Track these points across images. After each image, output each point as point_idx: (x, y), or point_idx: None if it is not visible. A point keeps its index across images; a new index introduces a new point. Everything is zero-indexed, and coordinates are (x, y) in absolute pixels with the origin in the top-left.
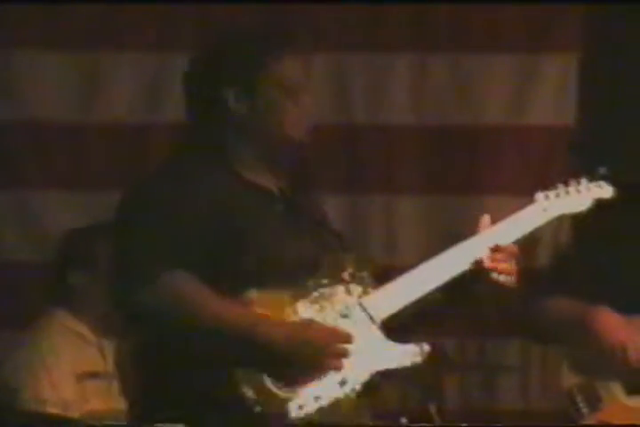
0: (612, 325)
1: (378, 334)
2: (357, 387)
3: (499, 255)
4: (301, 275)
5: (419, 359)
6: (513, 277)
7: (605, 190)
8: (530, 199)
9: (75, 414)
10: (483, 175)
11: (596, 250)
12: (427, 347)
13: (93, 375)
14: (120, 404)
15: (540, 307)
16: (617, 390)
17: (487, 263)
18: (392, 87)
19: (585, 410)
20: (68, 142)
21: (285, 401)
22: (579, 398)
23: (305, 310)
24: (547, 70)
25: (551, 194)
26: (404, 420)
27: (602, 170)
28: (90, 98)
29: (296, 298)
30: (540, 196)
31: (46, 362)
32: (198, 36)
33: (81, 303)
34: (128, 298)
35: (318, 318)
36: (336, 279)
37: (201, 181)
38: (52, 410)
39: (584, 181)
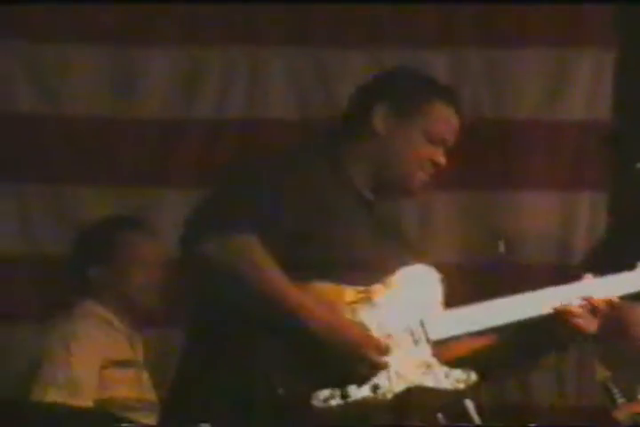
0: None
1: (427, 352)
2: (389, 396)
3: (586, 307)
4: (369, 279)
5: (462, 386)
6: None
7: None
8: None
9: (87, 399)
10: (518, 171)
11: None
12: (474, 376)
13: (119, 364)
14: (145, 394)
15: None
16: None
17: (572, 310)
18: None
19: (621, 400)
20: (99, 138)
21: (310, 392)
22: (614, 390)
23: (361, 312)
24: (582, 65)
25: None
26: (440, 417)
27: (638, 165)
28: (122, 94)
29: (357, 298)
30: None
31: (69, 347)
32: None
33: (103, 295)
34: (197, 246)
35: (373, 323)
36: (404, 292)
37: (311, 172)
38: (59, 393)
39: None
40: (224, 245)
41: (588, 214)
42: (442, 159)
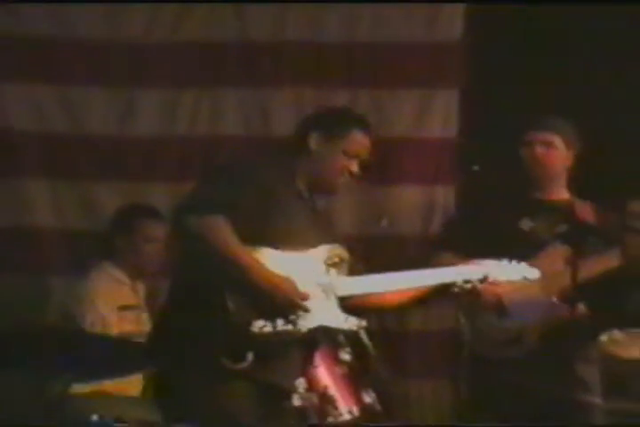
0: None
1: (334, 303)
2: (304, 330)
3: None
4: (299, 249)
5: (355, 328)
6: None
7: (531, 272)
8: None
9: (112, 332)
10: (395, 171)
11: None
12: (364, 322)
13: (126, 308)
14: (143, 328)
15: (435, 260)
16: None
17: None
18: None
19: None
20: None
21: (251, 321)
22: (464, 331)
23: (293, 270)
24: (438, 100)
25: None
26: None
27: (475, 167)
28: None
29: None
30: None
31: (92, 297)
32: None
33: (121, 258)
34: (182, 222)
35: (300, 277)
36: (323, 262)
37: (266, 176)
38: (95, 329)
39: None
40: (200, 221)
41: (442, 202)
42: (356, 169)
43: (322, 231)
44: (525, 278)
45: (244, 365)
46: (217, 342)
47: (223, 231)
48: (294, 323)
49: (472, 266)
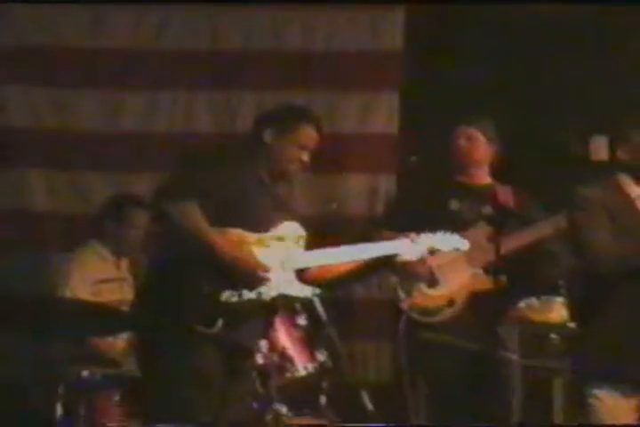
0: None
1: (292, 275)
2: (267, 298)
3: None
4: (261, 229)
5: (310, 296)
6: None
7: (462, 243)
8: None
9: (88, 300)
10: (345, 162)
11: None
12: (317, 290)
13: (108, 281)
14: (126, 297)
15: (378, 237)
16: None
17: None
18: None
19: (403, 296)
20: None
21: (220, 291)
22: (399, 290)
23: (254, 248)
24: (382, 102)
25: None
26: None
27: (413, 158)
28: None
29: (253, 240)
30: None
31: (71, 269)
32: None
33: (108, 239)
34: (163, 205)
35: (261, 253)
36: (282, 239)
37: (233, 166)
38: (81, 296)
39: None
40: (174, 207)
41: (384, 188)
42: (307, 158)
43: (282, 212)
44: (457, 249)
45: (215, 330)
46: (190, 311)
47: (194, 215)
48: (258, 293)
49: (407, 240)
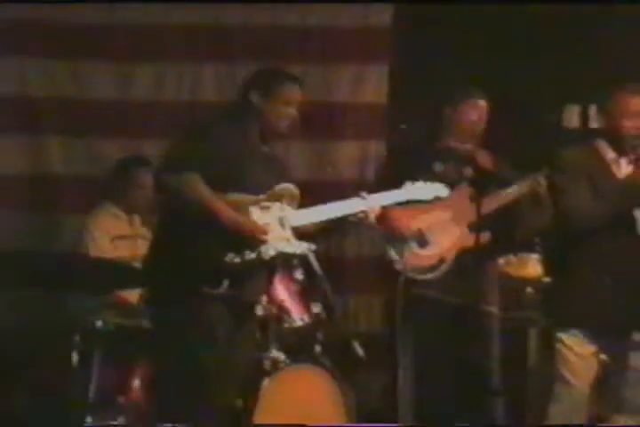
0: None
1: (289, 233)
2: (267, 257)
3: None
4: (259, 192)
5: (307, 252)
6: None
7: (442, 190)
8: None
9: (108, 257)
10: (336, 130)
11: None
12: (313, 246)
13: (122, 237)
14: (137, 253)
15: None
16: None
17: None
18: None
19: (395, 258)
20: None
21: (224, 253)
22: (391, 252)
23: (253, 210)
24: (372, 74)
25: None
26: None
27: (402, 126)
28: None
29: (251, 202)
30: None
31: (91, 229)
32: None
33: (120, 198)
34: (163, 177)
35: (259, 215)
36: (278, 200)
37: (227, 135)
38: (94, 253)
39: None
40: (179, 178)
41: (375, 153)
42: (294, 113)
43: (277, 175)
44: (437, 197)
45: (221, 290)
46: (196, 273)
47: (197, 185)
48: (258, 252)
49: (389, 193)
